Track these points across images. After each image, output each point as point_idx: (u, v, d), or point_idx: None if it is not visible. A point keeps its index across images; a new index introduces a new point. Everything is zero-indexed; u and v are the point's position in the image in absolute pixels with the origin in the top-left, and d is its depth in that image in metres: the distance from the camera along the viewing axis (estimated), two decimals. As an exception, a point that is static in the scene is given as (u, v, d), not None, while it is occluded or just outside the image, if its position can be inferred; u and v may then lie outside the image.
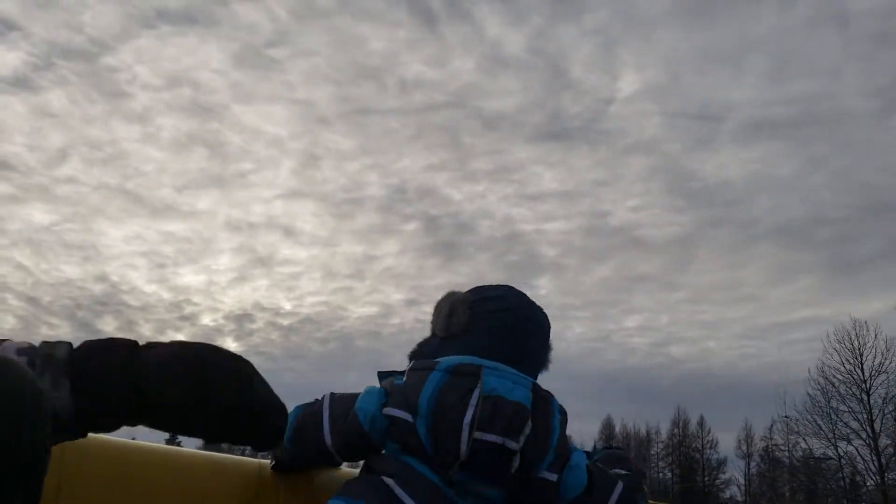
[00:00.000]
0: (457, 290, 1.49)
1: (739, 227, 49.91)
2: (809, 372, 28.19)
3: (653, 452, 46.77)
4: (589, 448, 1.66)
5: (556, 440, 1.26)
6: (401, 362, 1.43)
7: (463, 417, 1.21)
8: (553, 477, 1.25)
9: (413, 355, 1.47)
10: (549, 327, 1.47)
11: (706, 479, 42.14)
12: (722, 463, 41.78)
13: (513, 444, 1.20)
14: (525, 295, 1.46)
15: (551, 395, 1.30)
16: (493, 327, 1.38)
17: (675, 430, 45.07)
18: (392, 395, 1.28)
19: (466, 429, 1.21)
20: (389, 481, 1.21)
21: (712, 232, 51.73)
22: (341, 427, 1.30)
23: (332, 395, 1.38)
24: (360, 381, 1.75)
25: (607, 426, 49.87)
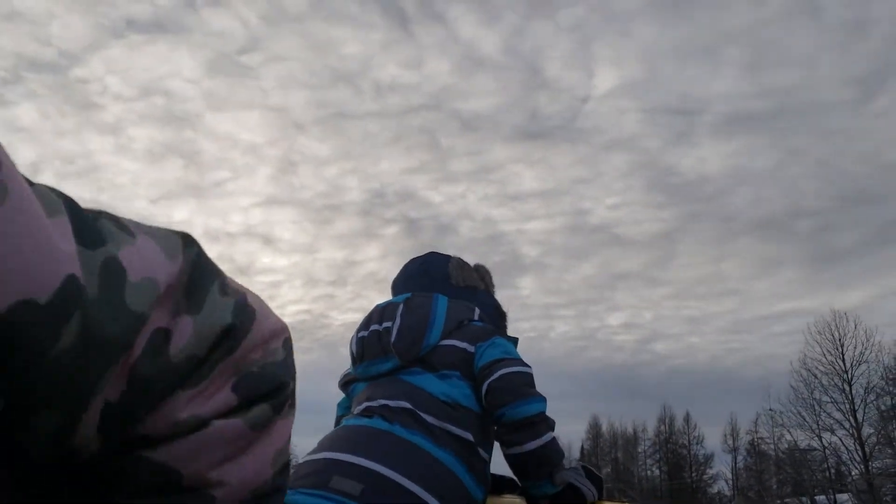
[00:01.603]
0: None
1: (720, 221, 50.28)
2: (792, 364, 28.63)
3: (640, 450, 46.88)
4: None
5: (440, 314, 1.64)
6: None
7: (356, 333, 1.73)
8: (460, 344, 1.60)
9: None
10: (446, 260, 1.88)
11: (694, 475, 42.34)
12: (709, 458, 42.01)
13: (387, 324, 1.64)
14: (434, 253, 1.92)
15: (435, 293, 1.72)
16: (395, 284, 1.90)
17: (662, 427, 45.23)
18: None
19: (355, 336, 1.72)
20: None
21: (693, 227, 52.11)
22: None
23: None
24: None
25: (594, 425, 49.97)
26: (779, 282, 49.05)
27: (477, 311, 1.72)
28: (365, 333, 1.67)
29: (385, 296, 1.87)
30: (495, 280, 1.95)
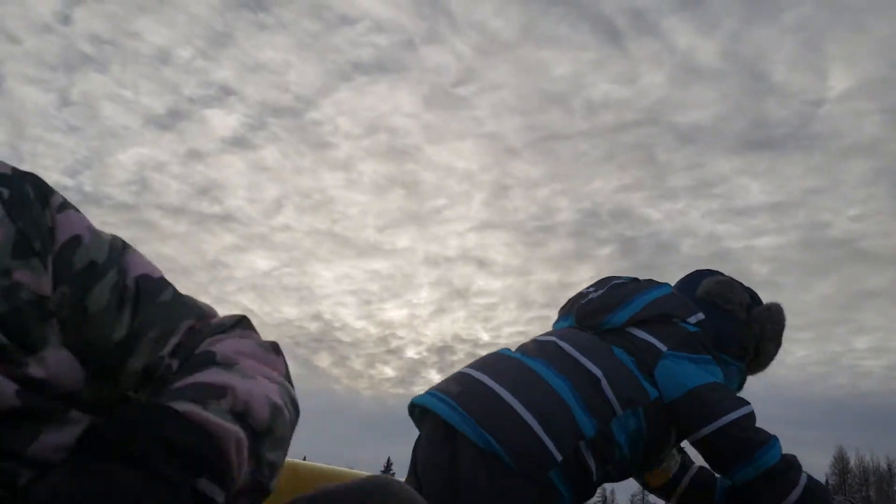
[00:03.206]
0: None
1: None
2: None
3: (902, 488, 41.64)
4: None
5: (645, 299, 1.59)
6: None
7: (586, 292, 1.77)
8: (661, 346, 1.51)
9: None
10: (709, 279, 1.78)
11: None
12: None
13: (594, 293, 1.69)
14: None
15: (653, 286, 1.66)
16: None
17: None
18: None
19: (586, 292, 1.76)
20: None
21: (954, 239, 45.50)
22: None
23: None
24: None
25: (840, 459, 45.40)
26: None
27: (699, 315, 1.58)
28: (591, 293, 1.73)
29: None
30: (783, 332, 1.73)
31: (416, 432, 1.56)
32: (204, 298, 0.77)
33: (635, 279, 1.72)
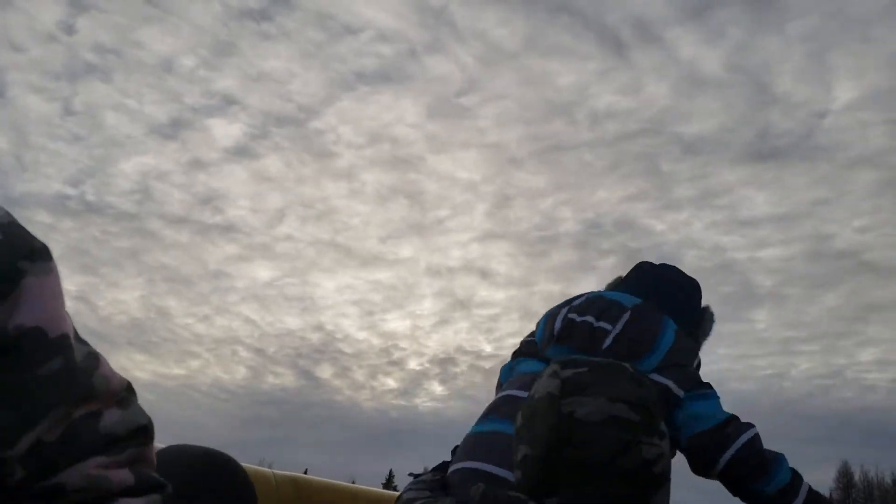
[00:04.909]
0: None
1: None
2: None
3: (909, 502, 41.23)
4: None
5: (665, 345, 1.45)
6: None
7: (567, 307, 1.54)
8: (669, 383, 1.41)
9: None
10: (689, 284, 1.73)
11: None
12: None
13: (605, 325, 1.45)
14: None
15: (666, 316, 1.51)
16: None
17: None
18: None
19: (564, 311, 1.53)
20: (501, 392, 1.49)
21: (960, 252, 45.40)
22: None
23: None
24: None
25: (844, 473, 45.05)
26: None
27: (699, 359, 1.57)
28: (576, 318, 1.51)
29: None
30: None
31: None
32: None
33: (616, 301, 1.55)
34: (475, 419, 1.48)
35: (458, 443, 1.46)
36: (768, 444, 1.45)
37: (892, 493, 41.73)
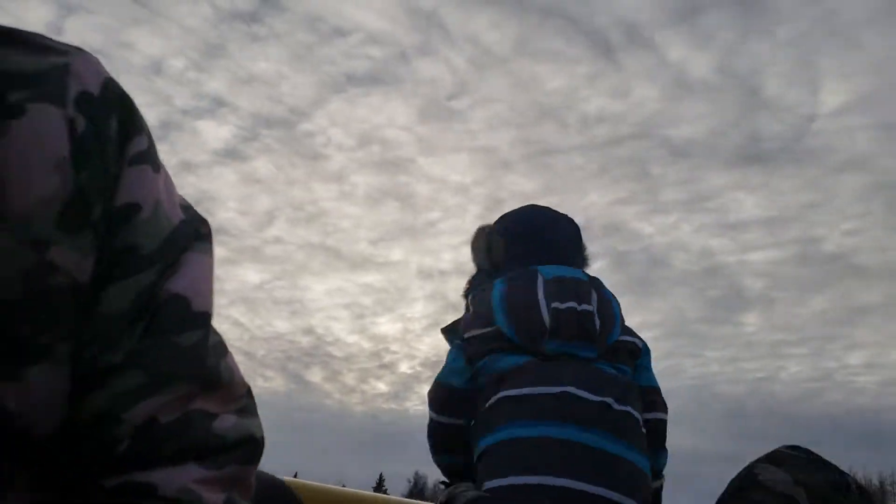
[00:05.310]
0: (484, 223, 1.67)
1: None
2: None
3: (897, 505, 41.59)
4: None
5: (619, 312, 1.46)
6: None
7: (535, 295, 1.38)
8: (639, 342, 1.44)
9: (467, 292, 1.66)
10: (578, 228, 1.64)
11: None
12: None
13: (587, 307, 1.39)
14: (547, 208, 1.63)
15: (598, 280, 1.49)
16: (528, 245, 1.55)
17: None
18: (463, 329, 1.44)
19: (543, 301, 1.38)
20: (504, 392, 1.30)
21: (946, 254, 45.84)
22: (444, 408, 1.47)
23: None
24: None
25: (833, 476, 45.17)
26: None
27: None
28: (560, 306, 1.38)
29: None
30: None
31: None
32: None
33: (576, 278, 1.46)
34: None
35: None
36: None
37: (879, 496, 41.96)
